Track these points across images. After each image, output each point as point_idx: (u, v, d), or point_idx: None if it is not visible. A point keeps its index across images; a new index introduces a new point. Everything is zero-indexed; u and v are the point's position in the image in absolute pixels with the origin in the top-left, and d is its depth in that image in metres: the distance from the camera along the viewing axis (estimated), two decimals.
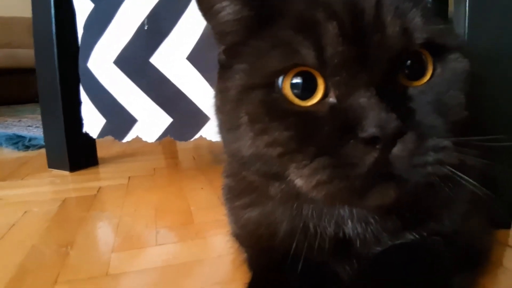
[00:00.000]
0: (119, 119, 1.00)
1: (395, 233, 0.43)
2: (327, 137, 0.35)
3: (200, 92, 0.90)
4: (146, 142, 1.00)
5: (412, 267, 0.41)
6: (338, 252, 0.44)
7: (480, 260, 0.49)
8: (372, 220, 0.42)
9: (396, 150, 0.33)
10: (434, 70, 0.38)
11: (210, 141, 0.92)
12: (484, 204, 0.49)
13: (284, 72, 0.36)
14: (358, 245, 0.42)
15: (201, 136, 0.93)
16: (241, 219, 0.50)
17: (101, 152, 1.29)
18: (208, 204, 0.84)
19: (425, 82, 0.37)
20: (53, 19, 1.09)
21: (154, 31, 0.91)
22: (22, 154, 1.49)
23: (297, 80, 0.36)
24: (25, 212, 0.83)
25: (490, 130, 0.60)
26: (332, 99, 0.36)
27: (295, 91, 0.37)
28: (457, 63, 0.38)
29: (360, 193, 0.35)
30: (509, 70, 0.60)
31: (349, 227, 0.42)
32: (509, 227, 0.64)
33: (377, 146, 0.32)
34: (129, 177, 1.09)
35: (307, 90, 0.36)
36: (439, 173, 0.35)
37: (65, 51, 1.11)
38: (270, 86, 0.37)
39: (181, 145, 1.51)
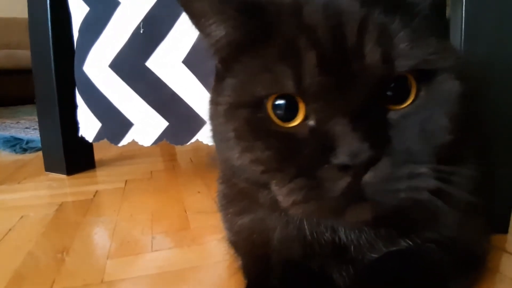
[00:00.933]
0: (114, 123, 1.00)
1: (390, 240, 0.43)
2: (305, 159, 0.36)
3: (196, 96, 0.89)
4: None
5: (407, 273, 0.41)
6: (334, 258, 0.44)
7: (476, 265, 0.49)
8: (365, 228, 0.42)
9: (368, 177, 0.34)
10: (418, 92, 0.37)
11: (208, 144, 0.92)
12: (481, 210, 0.49)
13: (267, 96, 0.38)
14: (352, 251, 0.43)
15: (197, 140, 0.92)
16: (235, 226, 0.50)
17: (98, 155, 1.28)
18: (205, 209, 0.84)
19: (408, 105, 0.36)
20: (49, 22, 1.08)
21: (150, 35, 0.90)
22: (19, 157, 1.49)
23: (280, 101, 0.37)
24: (22, 217, 0.83)
25: (491, 133, 0.60)
26: (312, 122, 0.37)
27: (278, 112, 0.38)
28: (443, 85, 0.37)
29: (335, 212, 0.36)
30: (507, 71, 0.60)
31: (342, 233, 0.43)
32: (506, 232, 0.64)
33: (349, 173, 0.33)
34: (126, 181, 1.09)
35: (289, 112, 0.37)
36: (414, 198, 0.35)
37: (62, 54, 1.11)
38: (256, 106, 0.38)
39: (179, 147, 1.50)
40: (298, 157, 0.36)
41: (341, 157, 0.33)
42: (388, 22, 0.35)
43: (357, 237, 0.42)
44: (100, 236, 0.73)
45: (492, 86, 0.60)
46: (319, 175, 0.34)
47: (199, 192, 0.96)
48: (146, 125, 0.96)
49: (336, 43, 0.35)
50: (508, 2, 0.58)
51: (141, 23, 0.91)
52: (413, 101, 0.37)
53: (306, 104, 0.36)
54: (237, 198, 0.50)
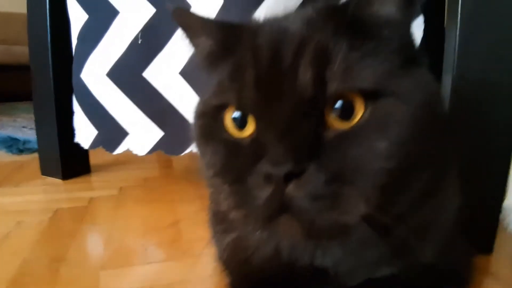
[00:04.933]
0: (110, 131, 1.01)
1: (372, 266, 0.43)
2: (242, 166, 0.38)
3: (192, 107, 0.90)
4: None
5: None
6: (315, 283, 0.44)
7: (462, 287, 0.50)
8: (340, 253, 0.42)
9: (289, 189, 0.34)
10: (364, 114, 0.37)
11: None
12: (465, 231, 0.50)
13: (223, 108, 0.42)
14: (332, 276, 0.43)
15: (191, 151, 0.93)
16: (222, 244, 0.52)
17: (93, 159, 1.28)
18: (198, 220, 0.84)
19: (352, 126, 0.36)
20: (48, 29, 1.09)
21: (148, 45, 0.91)
22: (16, 158, 1.48)
23: (236, 114, 0.41)
24: (18, 222, 0.83)
25: (486, 138, 0.61)
26: (254, 134, 0.39)
27: (235, 123, 0.41)
28: (387, 109, 0.36)
29: (264, 222, 0.37)
30: (502, 80, 0.60)
31: (319, 259, 0.43)
32: (490, 252, 0.66)
33: (272, 182, 0.35)
34: (120, 188, 1.10)
35: (243, 124, 0.41)
36: (342, 221, 0.35)
37: (60, 60, 1.11)
38: (213, 116, 0.42)
39: None
40: (238, 164, 0.39)
41: (264, 166, 0.35)
42: (331, 45, 0.36)
43: (334, 264, 0.43)
44: (95, 246, 0.74)
45: (488, 92, 0.60)
46: (249, 182, 0.36)
47: (192, 201, 0.97)
48: (142, 134, 0.97)
49: (273, 62, 0.37)
50: (503, 16, 0.59)
51: (140, 33, 0.92)
52: (358, 121, 0.36)
53: (252, 117, 0.40)
54: (223, 215, 0.50)
